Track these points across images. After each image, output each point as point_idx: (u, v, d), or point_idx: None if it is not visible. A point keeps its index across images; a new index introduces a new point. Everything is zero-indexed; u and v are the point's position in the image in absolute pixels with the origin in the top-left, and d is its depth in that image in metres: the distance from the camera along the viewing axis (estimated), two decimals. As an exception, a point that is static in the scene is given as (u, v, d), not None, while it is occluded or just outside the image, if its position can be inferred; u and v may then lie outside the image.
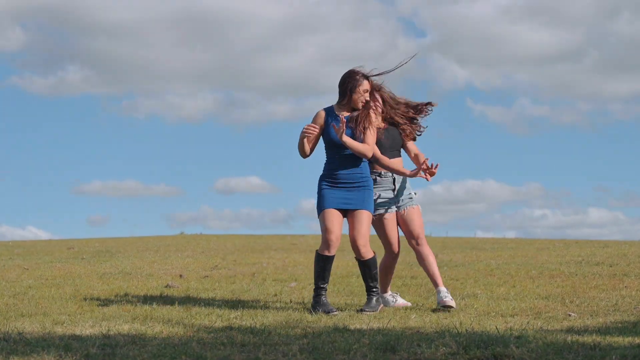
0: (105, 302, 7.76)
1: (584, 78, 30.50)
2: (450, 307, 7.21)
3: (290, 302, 7.86)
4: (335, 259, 12.05)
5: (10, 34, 30.17)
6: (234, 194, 31.41)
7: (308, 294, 8.56)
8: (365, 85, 7.42)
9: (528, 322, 6.32)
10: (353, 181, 7.38)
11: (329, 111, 7.49)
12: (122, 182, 31.20)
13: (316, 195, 7.46)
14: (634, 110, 29.68)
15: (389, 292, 7.85)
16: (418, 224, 7.64)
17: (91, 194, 31.16)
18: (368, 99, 7.43)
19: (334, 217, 7.34)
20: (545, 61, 29.97)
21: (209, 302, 7.78)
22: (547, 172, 28.08)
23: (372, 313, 7.12)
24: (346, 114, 7.43)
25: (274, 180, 30.14)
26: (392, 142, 7.60)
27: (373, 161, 7.47)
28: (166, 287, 9.36)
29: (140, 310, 7.14)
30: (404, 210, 7.62)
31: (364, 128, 7.30)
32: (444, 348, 4.85)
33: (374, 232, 7.70)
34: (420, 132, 7.75)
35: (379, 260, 7.56)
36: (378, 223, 7.61)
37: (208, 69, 30.11)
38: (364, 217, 7.35)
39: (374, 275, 7.44)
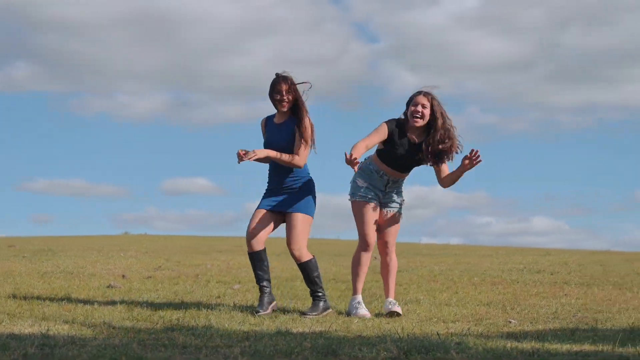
0: (46, 302, 7.67)
1: (533, 88, 30.90)
2: (397, 313, 7.25)
3: (234, 304, 7.84)
4: (278, 262, 12.00)
5: (-42, 30, 29.76)
6: (181, 196, 31.29)
7: (252, 296, 8.54)
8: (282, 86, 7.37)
9: (469, 328, 6.38)
10: (286, 185, 7.41)
11: (268, 118, 7.57)
12: (68, 180, 30.89)
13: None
14: (582, 121, 30.12)
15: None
16: (394, 231, 7.60)
17: (36, 191, 30.80)
18: (285, 102, 7.35)
19: (257, 215, 7.42)
20: (496, 70, 30.31)
21: (151, 303, 7.73)
22: (494, 180, 28.36)
23: (315, 316, 7.12)
24: (282, 120, 7.46)
25: (221, 182, 30.06)
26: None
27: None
28: (108, 287, 9.28)
29: (81, 310, 7.07)
30: (388, 211, 7.55)
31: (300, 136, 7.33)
32: (385, 352, 4.87)
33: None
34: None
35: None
36: (358, 208, 7.46)
37: (160, 69, 29.97)
38: (297, 220, 7.35)
39: (314, 279, 7.42)
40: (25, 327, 5.86)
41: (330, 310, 7.44)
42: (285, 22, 30.01)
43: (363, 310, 7.34)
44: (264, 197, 7.50)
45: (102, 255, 15.12)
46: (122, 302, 7.77)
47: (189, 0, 29.48)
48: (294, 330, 5.98)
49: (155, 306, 7.48)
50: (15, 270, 11.23)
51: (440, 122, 7.33)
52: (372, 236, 7.48)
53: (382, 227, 7.57)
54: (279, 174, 7.41)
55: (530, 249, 21.42)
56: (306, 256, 7.39)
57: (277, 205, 7.39)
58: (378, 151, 7.48)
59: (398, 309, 7.30)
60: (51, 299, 7.90)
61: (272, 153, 7.28)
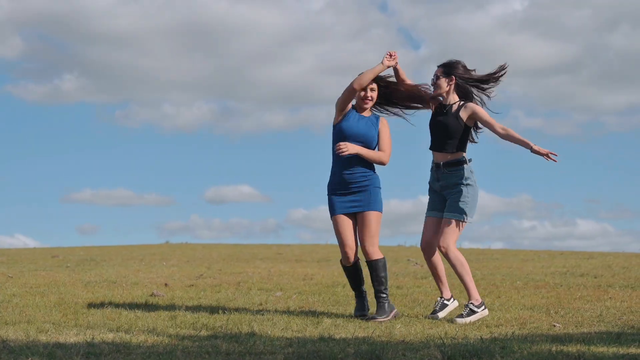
0: (90, 311, 7.73)
1: (579, 90, 30.63)
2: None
3: (276, 311, 7.85)
4: (320, 269, 12.00)
5: (10, 42, 30.13)
6: (224, 204, 31.41)
7: (293, 304, 8.55)
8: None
9: (513, 333, 6.34)
10: (356, 181, 7.42)
11: (352, 106, 7.64)
12: (113, 190, 31.13)
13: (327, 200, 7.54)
14: (629, 123, 29.82)
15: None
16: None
17: (81, 202, 31.09)
18: (369, 100, 7.53)
19: (345, 226, 7.43)
20: (542, 73, 30.09)
21: (193, 311, 7.76)
22: (538, 184, 28.16)
23: (384, 320, 7.16)
24: (366, 114, 7.59)
25: (265, 189, 30.15)
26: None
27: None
28: (151, 295, 9.33)
29: (125, 318, 7.11)
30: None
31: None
32: (429, 358, 4.85)
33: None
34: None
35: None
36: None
37: (205, 79, 30.13)
38: (371, 218, 7.38)
39: (381, 279, 7.41)
40: (70, 336, 5.92)
41: (396, 311, 7.46)
42: (332, 28, 30.04)
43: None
44: (335, 199, 7.49)
45: (144, 265, 15.21)
46: (165, 310, 7.81)
47: (234, 10, 29.60)
48: (337, 337, 5.98)
49: (198, 314, 7.51)
50: (59, 280, 11.33)
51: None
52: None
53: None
54: (351, 170, 7.42)
55: (572, 252, 21.24)
56: (377, 254, 7.42)
57: (353, 207, 7.43)
58: None
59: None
60: (95, 308, 7.97)
61: (363, 150, 7.35)
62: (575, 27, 29.18)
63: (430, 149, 7.61)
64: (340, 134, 7.43)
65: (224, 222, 31.44)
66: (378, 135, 7.48)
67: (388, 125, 7.58)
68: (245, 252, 21.28)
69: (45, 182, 29.84)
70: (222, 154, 29.77)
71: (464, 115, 7.47)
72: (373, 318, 7.21)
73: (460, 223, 7.41)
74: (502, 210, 29.84)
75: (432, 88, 7.65)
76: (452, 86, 7.58)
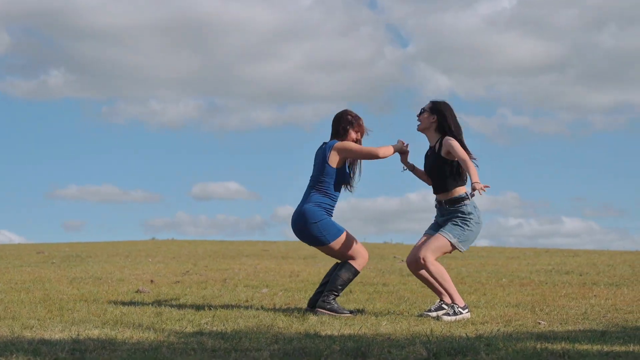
0: (75, 307, 7.71)
1: (566, 89, 30.73)
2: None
3: (262, 308, 7.85)
4: (306, 266, 12.04)
5: (-4, 38, 30.03)
6: (211, 201, 31.37)
7: (279, 300, 8.55)
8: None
9: (498, 330, 6.35)
10: None
11: None
12: (99, 186, 31.05)
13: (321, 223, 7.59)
14: (615, 122, 29.94)
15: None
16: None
17: (67, 198, 31.00)
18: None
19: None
20: (529, 72, 30.18)
21: (179, 308, 7.76)
22: (525, 182, 28.26)
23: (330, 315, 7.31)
24: None
25: (252, 186, 30.13)
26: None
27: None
28: (137, 292, 9.32)
29: (111, 315, 7.10)
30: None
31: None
32: (415, 355, 4.86)
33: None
34: None
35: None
36: None
37: (193, 75, 30.07)
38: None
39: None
40: (55, 333, 5.90)
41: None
42: (321, 26, 30.02)
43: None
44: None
45: (130, 261, 15.18)
46: (150, 306, 7.80)
47: (223, 7, 29.54)
48: (323, 333, 5.98)
49: (183, 310, 7.51)
50: (44, 277, 11.30)
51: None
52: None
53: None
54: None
55: (557, 249, 21.31)
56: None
57: None
58: None
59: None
60: (81, 305, 7.95)
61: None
62: (563, 26, 29.28)
63: (434, 192, 7.66)
64: (341, 178, 7.69)
65: (210, 218, 31.41)
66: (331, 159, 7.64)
67: (341, 145, 7.62)
68: (231, 248, 21.26)
69: (31, 178, 29.77)
70: (208, 150, 29.74)
71: (443, 152, 7.46)
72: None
73: (449, 244, 7.40)
74: (489, 208, 29.91)
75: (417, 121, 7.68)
76: (434, 125, 7.57)
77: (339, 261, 7.70)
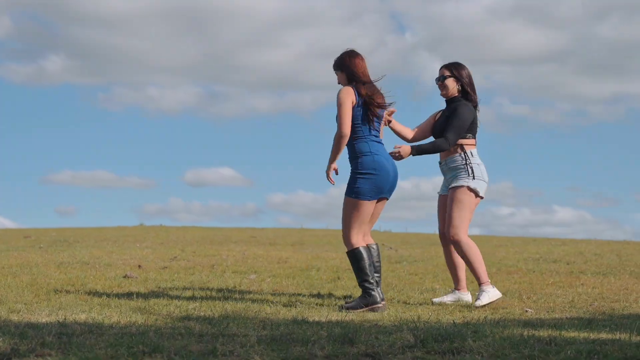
0: (62, 291, 7.70)
1: (566, 79, 30.75)
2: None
3: (249, 294, 7.85)
4: (294, 252, 11.98)
5: (-1, 23, 29.86)
6: (205, 187, 31.33)
7: (267, 286, 8.55)
8: None
9: (485, 317, 6.37)
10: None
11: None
12: (93, 172, 30.97)
13: None
14: (613, 113, 29.99)
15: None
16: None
17: (61, 183, 30.92)
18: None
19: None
20: (530, 61, 30.18)
21: (167, 293, 7.75)
22: (520, 171, 28.30)
23: (352, 311, 6.77)
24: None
25: (247, 173, 30.10)
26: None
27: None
28: (124, 277, 9.31)
29: (98, 299, 7.09)
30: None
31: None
32: (402, 341, 4.86)
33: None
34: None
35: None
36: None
37: (193, 62, 29.96)
38: (343, 205, 7.11)
39: (356, 270, 6.99)
40: (42, 317, 5.89)
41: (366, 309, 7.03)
42: (324, 13, 29.89)
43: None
44: None
45: (118, 246, 15.16)
46: (138, 291, 7.79)
47: (229, -7, 29.36)
48: (310, 319, 5.99)
49: (171, 296, 7.50)
50: (31, 261, 11.27)
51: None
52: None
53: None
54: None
55: (546, 239, 21.36)
56: (349, 245, 7.04)
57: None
58: None
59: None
60: (68, 289, 7.93)
61: (330, 157, 7.12)
62: (565, 16, 29.26)
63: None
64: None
65: (203, 205, 31.40)
66: None
67: (339, 94, 7.05)
68: (220, 235, 21.25)
69: (26, 163, 29.69)
70: (206, 137, 29.71)
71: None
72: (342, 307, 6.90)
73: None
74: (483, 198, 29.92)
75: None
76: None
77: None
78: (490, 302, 7.18)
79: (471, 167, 7.37)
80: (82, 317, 5.90)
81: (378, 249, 7.19)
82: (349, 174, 7.08)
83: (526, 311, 6.85)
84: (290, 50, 29.61)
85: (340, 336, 4.99)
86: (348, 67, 7.18)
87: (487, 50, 30.21)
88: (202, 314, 6.25)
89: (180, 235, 20.69)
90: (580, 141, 28.75)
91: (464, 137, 7.41)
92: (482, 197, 7.42)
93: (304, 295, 7.83)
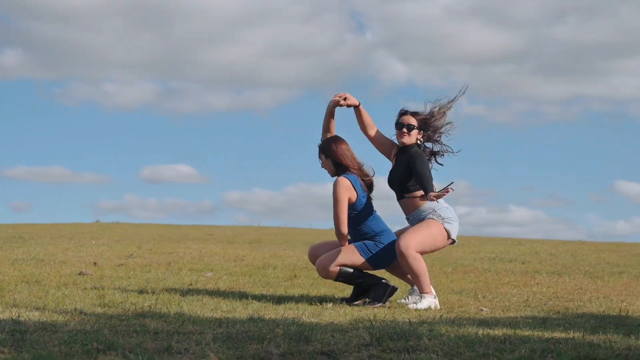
0: (16, 289, 7.61)
1: (522, 79, 31.00)
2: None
3: (206, 291, 7.82)
4: (251, 250, 11.95)
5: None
6: (161, 184, 31.17)
7: (223, 284, 8.53)
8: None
9: (441, 316, 6.40)
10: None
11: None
12: (48, 168, 30.67)
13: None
14: (568, 113, 30.28)
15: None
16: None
17: (15, 179, 30.58)
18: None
19: None
20: (487, 62, 30.40)
21: (122, 290, 7.70)
22: (476, 171, 28.49)
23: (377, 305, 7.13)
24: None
25: (204, 170, 29.98)
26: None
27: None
28: (79, 274, 9.23)
29: (52, 297, 7.02)
30: None
31: None
32: (357, 339, 4.87)
33: None
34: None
35: None
36: None
37: (151, 58, 29.78)
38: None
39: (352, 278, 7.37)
40: (-5, 314, 5.82)
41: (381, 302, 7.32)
42: (283, 11, 29.83)
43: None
44: None
45: (74, 243, 15.03)
46: (93, 289, 7.73)
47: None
48: (266, 317, 5.98)
49: (126, 293, 7.45)
50: (-15, 257, 11.15)
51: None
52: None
53: None
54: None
55: (501, 238, 21.52)
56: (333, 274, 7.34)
57: None
58: None
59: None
60: (22, 286, 7.85)
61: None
62: (522, 17, 29.50)
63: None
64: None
65: (160, 202, 31.24)
66: None
67: (337, 188, 7.20)
68: (177, 232, 21.16)
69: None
70: (162, 134, 29.56)
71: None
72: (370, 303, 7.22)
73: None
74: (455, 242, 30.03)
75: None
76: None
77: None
78: (427, 308, 7.06)
79: (439, 215, 7.27)
80: (36, 314, 5.85)
81: None
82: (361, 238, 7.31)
83: (481, 310, 6.90)
84: (248, 48, 29.56)
85: (296, 334, 4.99)
86: (335, 154, 7.34)
87: (445, 50, 30.38)
88: (157, 311, 6.21)
89: (137, 232, 20.57)
90: (536, 141, 29.01)
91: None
92: (453, 241, 7.34)
93: (261, 294, 7.82)
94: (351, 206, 7.17)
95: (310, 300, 7.43)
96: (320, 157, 7.39)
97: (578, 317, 6.49)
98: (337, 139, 7.36)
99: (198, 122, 29.66)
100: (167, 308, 6.42)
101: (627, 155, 28.35)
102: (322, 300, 7.41)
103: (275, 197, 30.43)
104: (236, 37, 29.64)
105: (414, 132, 7.39)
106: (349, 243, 7.27)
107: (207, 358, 4.30)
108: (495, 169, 28.80)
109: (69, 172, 30.49)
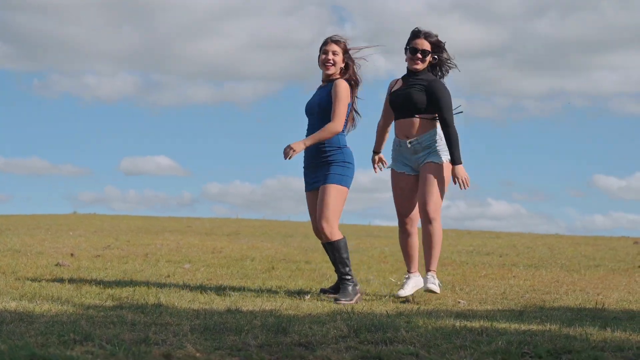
0: (-7, 279, 7.57)
1: (503, 74, 31.05)
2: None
3: (183, 283, 7.80)
4: (229, 242, 11.96)
5: None
6: (141, 176, 31.06)
7: (201, 276, 8.51)
8: (328, 46, 7.16)
9: (418, 308, 6.42)
10: (317, 157, 7.06)
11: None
12: (27, 159, 30.49)
13: None
14: (548, 108, 30.38)
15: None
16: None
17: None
18: (330, 61, 7.11)
19: (308, 202, 7.21)
20: (467, 56, 30.45)
21: (100, 282, 7.67)
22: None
23: (349, 303, 6.72)
24: (323, 84, 7.24)
25: (184, 162, 29.90)
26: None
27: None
28: (56, 265, 9.18)
29: (29, 287, 6.99)
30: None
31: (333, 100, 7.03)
32: (335, 331, 4.88)
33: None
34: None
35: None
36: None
37: (131, 51, 29.61)
38: (325, 194, 6.92)
39: (344, 260, 6.98)
40: (-29, 304, 5.79)
41: (359, 295, 6.99)
42: (264, 4, 29.74)
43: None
44: (304, 177, 7.21)
45: (50, 234, 14.96)
46: (70, 280, 7.69)
47: (166, -19, 29.07)
48: (244, 309, 5.98)
49: (104, 284, 7.42)
50: (-39, 248, 11.08)
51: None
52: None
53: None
54: (311, 147, 7.00)
55: (479, 232, 21.59)
56: (336, 235, 6.98)
57: (315, 183, 7.08)
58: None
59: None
60: (-2, 277, 7.80)
61: (308, 141, 6.91)
62: (503, 12, 29.54)
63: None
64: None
65: (139, 194, 31.13)
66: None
67: (341, 86, 7.01)
68: (156, 224, 21.10)
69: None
70: (142, 126, 29.44)
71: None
72: (336, 300, 6.80)
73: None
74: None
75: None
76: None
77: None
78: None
79: (444, 148, 7.17)
80: (13, 305, 5.82)
81: None
82: (325, 162, 7.01)
83: (459, 302, 6.92)
84: (229, 41, 29.46)
85: (273, 326, 4.99)
86: (353, 62, 7.25)
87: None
88: (134, 302, 6.20)
89: (115, 224, 20.49)
90: (516, 136, 29.11)
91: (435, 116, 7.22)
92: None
93: (238, 285, 7.81)
94: None
95: (288, 292, 7.44)
96: (338, 45, 7.15)
97: (555, 309, 6.53)
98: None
99: (178, 114, 29.59)
100: (144, 299, 6.41)
101: (607, 150, 28.50)
102: (299, 292, 7.41)
103: (254, 190, 30.41)
104: (217, 30, 29.57)
105: (428, 57, 7.32)
106: (313, 165, 7.09)
107: (184, 349, 4.30)
108: (475, 162, 28.89)
109: (47, 163, 30.34)
